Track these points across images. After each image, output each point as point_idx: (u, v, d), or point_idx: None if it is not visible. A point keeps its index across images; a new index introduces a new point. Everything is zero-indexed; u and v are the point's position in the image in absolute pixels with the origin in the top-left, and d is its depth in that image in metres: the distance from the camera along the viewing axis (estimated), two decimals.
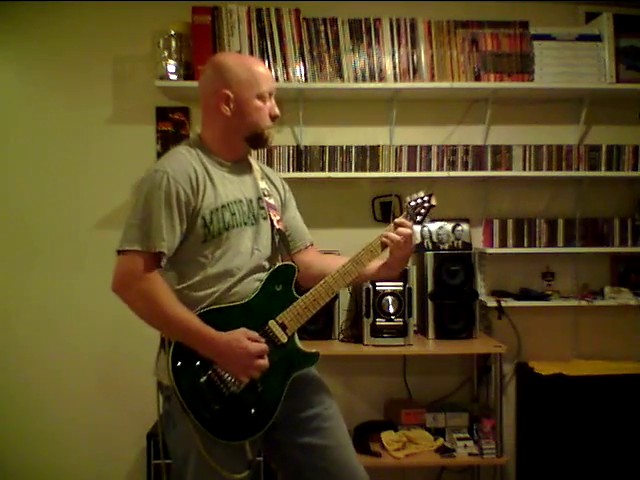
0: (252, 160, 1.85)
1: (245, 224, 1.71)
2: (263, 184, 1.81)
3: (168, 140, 2.98)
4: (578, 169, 2.94)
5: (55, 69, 2.99)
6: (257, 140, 1.74)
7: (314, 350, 1.73)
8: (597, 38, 2.92)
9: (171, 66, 2.80)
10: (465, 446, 2.78)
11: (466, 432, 2.86)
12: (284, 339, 1.67)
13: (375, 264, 1.79)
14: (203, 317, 1.60)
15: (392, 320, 2.75)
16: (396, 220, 1.76)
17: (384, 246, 1.73)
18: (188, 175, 1.63)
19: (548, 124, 3.10)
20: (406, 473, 3.01)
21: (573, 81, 2.89)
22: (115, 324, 3.00)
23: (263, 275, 1.72)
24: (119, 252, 1.60)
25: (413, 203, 1.79)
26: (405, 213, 1.79)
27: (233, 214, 1.68)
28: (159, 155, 2.97)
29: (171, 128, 3.00)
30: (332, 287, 1.71)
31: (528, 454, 2.96)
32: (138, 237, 1.58)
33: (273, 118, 1.73)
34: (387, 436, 2.81)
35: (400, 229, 1.72)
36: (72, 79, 2.98)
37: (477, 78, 2.91)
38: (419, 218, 1.79)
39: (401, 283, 2.75)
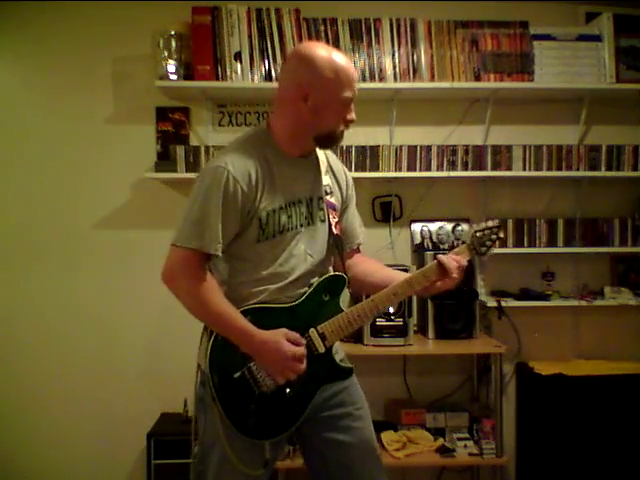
0: (319, 151, 1.78)
1: (301, 226, 1.69)
2: (327, 179, 1.77)
3: (168, 140, 2.98)
4: (578, 169, 2.94)
5: (55, 69, 2.98)
6: (327, 141, 1.69)
7: (349, 365, 1.74)
8: (597, 38, 2.92)
9: (171, 66, 2.80)
10: (465, 446, 2.78)
11: (466, 432, 2.86)
12: (322, 349, 1.66)
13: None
14: (247, 313, 1.61)
15: (392, 320, 2.75)
16: (456, 249, 1.72)
17: (441, 272, 1.67)
18: (249, 174, 1.59)
19: (548, 124, 3.10)
20: (406, 473, 3.01)
21: (573, 81, 2.89)
22: (114, 325, 3.01)
23: (314, 280, 1.70)
24: (172, 244, 1.61)
25: (479, 233, 1.71)
26: (469, 242, 1.72)
27: (290, 216, 1.66)
28: (159, 155, 2.98)
29: (171, 128, 3.00)
30: (378, 306, 1.69)
31: (528, 454, 2.96)
32: (193, 235, 1.57)
33: (348, 123, 1.68)
34: (387, 436, 2.81)
35: (460, 261, 1.67)
36: (72, 79, 2.98)
37: (477, 78, 2.91)
38: (483, 249, 1.71)
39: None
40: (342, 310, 1.69)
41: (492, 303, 2.95)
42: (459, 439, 2.81)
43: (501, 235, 1.72)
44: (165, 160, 2.91)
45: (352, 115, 1.68)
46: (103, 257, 3.00)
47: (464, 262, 1.68)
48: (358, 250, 1.90)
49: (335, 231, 1.75)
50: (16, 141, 3.01)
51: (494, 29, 2.93)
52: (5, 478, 3.02)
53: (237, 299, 1.63)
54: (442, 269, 1.68)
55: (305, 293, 1.68)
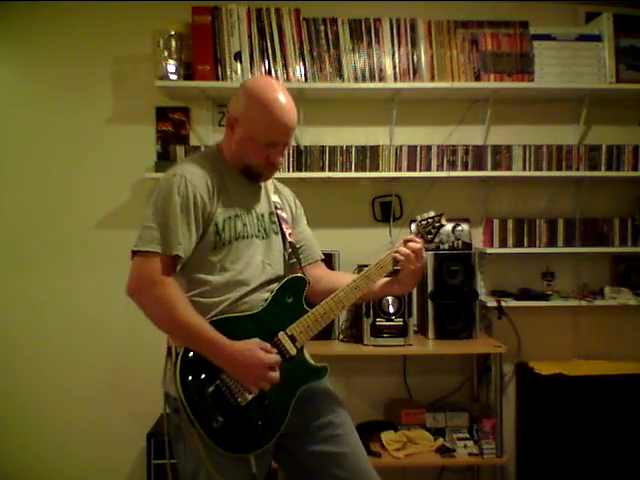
0: None
1: (256, 237, 1.71)
2: (275, 197, 1.83)
3: (168, 140, 2.98)
4: (578, 169, 2.94)
5: (55, 69, 2.98)
6: (248, 174, 1.72)
7: (322, 364, 1.73)
8: (597, 38, 2.92)
9: (171, 66, 2.80)
10: (465, 446, 2.78)
11: (466, 432, 2.86)
12: (293, 352, 1.65)
13: (386, 281, 1.80)
14: (213, 325, 1.58)
15: (392, 320, 2.75)
16: (405, 237, 1.78)
17: (395, 262, 1.74)
18: (205, 180, 1.63)
19: (548, 124, 3.10)
20: (406, 473, 3.01)
21: (573, 81, 2.89)
22: (115, 325, 3.01)
23: (274, 286, 1.71)
24: (134, 253, 1.59)
25: (424, 222, 1.82)
26: (416, 231, 1.82)
27: (245, 225, 1.69)
28: (159, 155, 2.98)
29: (171, 128, 3.00)
30: (342, 301, 1.70)
31: (528, 454, 2.96)
32: (155, 239, 1.56)
33: (269, 164, 1.70)
34: (387, 436, 2.81)
35: (410, 244, 1.74)
36: (72, 79, 2.98)
37: (477, 78, 2.91)
38: (430, 237, 1.82)
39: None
40: (307, 310, 1.69)
41: (492, 303, 2.95)
42: (459, 439, 2.81)
43: (443, 223, 1.82)
44: (165, 160, 2.90)
45: (276, 159, 1.69)
46: (103, 257, 3.00)
47: (417, 245, 1.73)
48: (321, 264, 1.92)
49: (289, 239, 1.80)
50: (16, 141, 3.01)
51: (494, 29, 2.93)
52: (5, 478, 3.02)
53: (200, 312, 1.59)
54: (396, 260, 1.74)
55: (268, 298, 1.68)
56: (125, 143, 3.00)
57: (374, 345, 2.75)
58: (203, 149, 1.82)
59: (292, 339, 1.66)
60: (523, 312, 3.01)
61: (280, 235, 1.79)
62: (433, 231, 1.81)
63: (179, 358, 1.57)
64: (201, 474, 1.58)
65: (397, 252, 1.73)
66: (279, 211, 1.81)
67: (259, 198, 1.78)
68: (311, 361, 1.71)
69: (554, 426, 2.82)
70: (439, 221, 1.82)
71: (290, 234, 1.82)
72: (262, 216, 1.76)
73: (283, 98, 1.65)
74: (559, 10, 3.08)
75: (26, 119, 3.01)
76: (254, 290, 1.67)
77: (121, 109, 3.02)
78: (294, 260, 1.83)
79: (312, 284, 1.77)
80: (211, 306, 1.63)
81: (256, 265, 1.69)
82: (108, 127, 3.01)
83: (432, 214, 1.83)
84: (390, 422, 2.94)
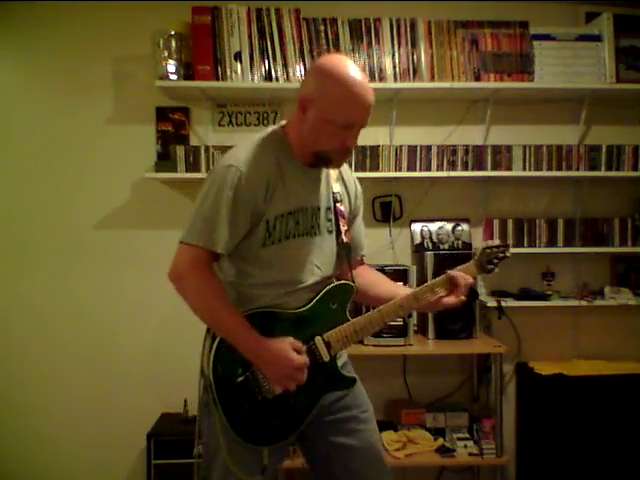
0: None
1: (307, 234, 1.66)
2: (337, 187, 1.74)
3: (168, 140, 2.98)
4: (578, 169, 2.94)
5: (55, 69, 2.98)
6: (319, 160, 1.63)
7: (352, 375, 1.73)
8: (597, 38, 2.92)
9: (171, 66, 2.80)
10: (465, 446, 2.78)
11: (466, 432, 2.86)
12: (326, 358, 1.64)
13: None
14: (253, 318, 1.59)
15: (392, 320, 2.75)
16: (463, 266, 1.72)
17: (448, 286, 1.69)
18: (261, 176, 1.57)
19: (548, 124, 3.10)
20: (406, 473, 3.00)
21: (573, 81, 2.89)
22: (114, 325, 3.01)
23: (320, 288, 1.69)
24: (181, 242, 1.59)
25: (488, 250, 1.74)
26: (477, 259, 1.75)
27: (297, 223, 1.64)
28: (159, 155, 2.98)
29: (171, 128, 3.00)
30: (384, 318, 1.68)
31: (528, 454, 2.96)
32: (201, 232, 1.55)
33: (344, 148, 1.59)
34: (387, 436, 2.81)
35: (466, 276, 1.69)
36: (72, 79, 2.98)
37: (477, 78, 2.91)
38: (490, 267, 1.74)
39: (401, 283, 2.75)
40: (348, 319, 1.68)
41: (492, 303, 2.95)
42: (459, 439, 2.81)
43: (508, 254, 1.74)
44: (165, 160, 2.91)
45: (352, 143, 1.58)
46: (103, 257, 3.00)
47: (471, 280, 1.70)
48: (362, 262, 1.89)
49: (345, 239, 1.73)
50: (16, 141, 3.01)
51: (494, 29, 2.93)
52: (5, 478, 3.02)
53: (243, 300, 1.62)
54: (450, 284, 1.69)
55: (313, 299, 1.67)
56: (125, 143, 3.00)
57: (374, 345, 2.75)
58: (271, 128, 1.70)
59: (327, 345, 1.64)
60: (523, 312, 3.01)
61: (334, 234, 1.73)
62: (496, 261, 1.74)
63: (217, 341, 1.58)
64: (220, 455, 1.61)
65: (462, 279, 1.67)
66: (338, 204, 1.72)
67: (318, 190, 1.69)
68: (341, 370, 1.71)
69: (554, 426, 2.82)
70: (504, 252, 1.74)
71: (346, 231, 1.74)
72: (318, 209, 1.68)
73: (360, 75, 1.54)
74: (559, 10, 3.08)
75: (26, 119, 3.01)
76: (300, 290, 1.65)
77: (121, 109, 3.02)
78: (344, 260, 1.77)
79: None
80: (256, 298, 1.63)
81: (305, 266, 1.66)
82: (108, 127, 3.01)
83: (498, 242, 1.75)
84: (390, 422, 2.94)
